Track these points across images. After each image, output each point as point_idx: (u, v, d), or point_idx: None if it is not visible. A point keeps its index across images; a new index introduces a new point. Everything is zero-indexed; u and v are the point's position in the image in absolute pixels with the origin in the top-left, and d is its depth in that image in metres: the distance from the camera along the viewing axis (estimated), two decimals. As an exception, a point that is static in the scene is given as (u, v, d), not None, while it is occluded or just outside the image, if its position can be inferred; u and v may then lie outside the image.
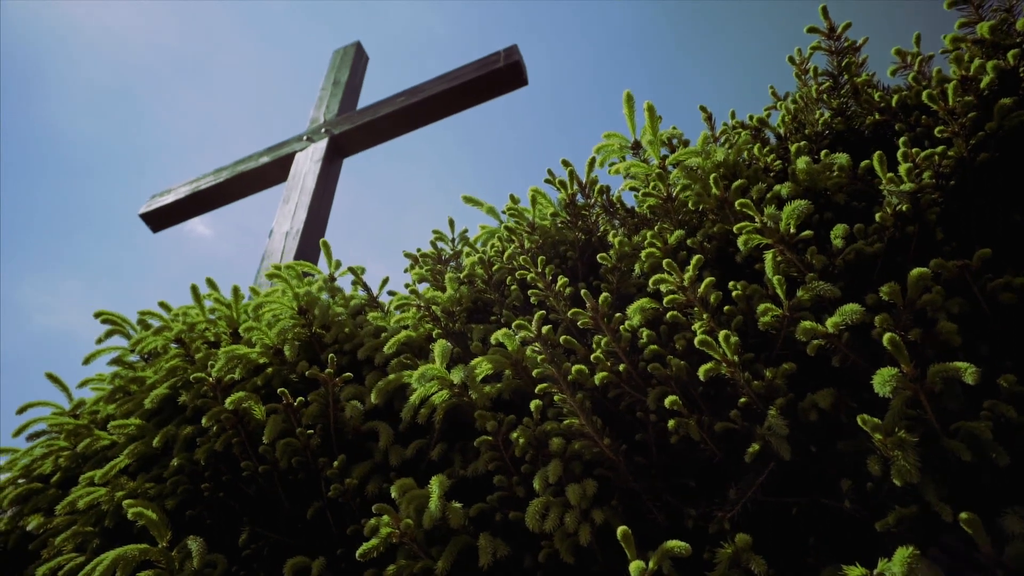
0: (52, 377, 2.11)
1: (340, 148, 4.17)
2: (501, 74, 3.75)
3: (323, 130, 4.19)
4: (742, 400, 1.16)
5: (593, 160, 1.71)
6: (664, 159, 1.59)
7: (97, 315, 2.13)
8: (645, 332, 1.35)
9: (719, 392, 1.26)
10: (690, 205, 1.41)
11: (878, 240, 1.20)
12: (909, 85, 1.57)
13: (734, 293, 1.27)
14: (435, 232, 1.95)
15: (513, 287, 1.66)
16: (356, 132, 4.12)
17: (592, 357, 1.29)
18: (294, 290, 1.78)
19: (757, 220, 1.21)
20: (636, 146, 1.73)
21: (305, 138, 4.22)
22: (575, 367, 1.29)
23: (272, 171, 4.31)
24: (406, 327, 1.62)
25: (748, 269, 1.40)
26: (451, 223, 1.97)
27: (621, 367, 1.29)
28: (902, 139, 1.26)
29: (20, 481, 1.95)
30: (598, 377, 1.26)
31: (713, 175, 1.35)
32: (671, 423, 1.17)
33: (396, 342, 1.54)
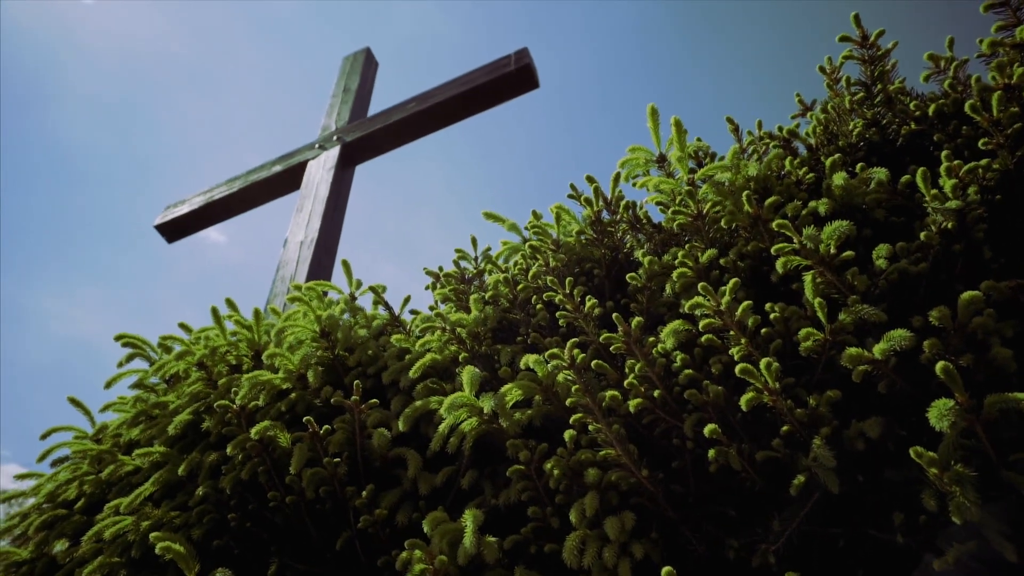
0: (74, 401, 2.11)
1: (352, 155, 4.16)
2: (512, 78, 3.72)
3: (335, 138, 4.18)
4: (784, 428, 1.12)
5: (618, 175, 1.67)
6: (692, 173, 1.56)
7: (118, 338, 2.13)
8: (679, 356, 1.31)
9: (759, 418, 1.22)
10: (723, 223, 1.37)
11: (922, 259, 1.16)
12: (945, 92, 1.52)
13: (772, 315, 1.23)
14: (457, 251, 1.92)
15: (539, 306, 1.63)
16: (368, 139, 4.11)
17: (626, 383, 1.25)
18: (315, 312, 1.76)
19: (795, 241, 1.17)
20: (661, 159, 1.70)
21: (317, 146, 4.21)
22: (609, 393, 1.26)
23: (285, 180, 4.31)
24: (430, 350, 1.59)
25: (783, 287, 1.36)
26: (473, 241, 1.94)
27: (656, 393, 1.25)
28: (944, 152, 1.21)
29: (45, 507, 1.95)
30: (632, 404, 1.23)
31: (746, 192, 1.31)
32: (711, 453, 1.14)
33: (421, 366, 1.51)
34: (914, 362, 1.09)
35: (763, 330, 1.24)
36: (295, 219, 3.83)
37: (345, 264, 1.98)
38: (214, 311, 1.98)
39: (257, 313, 1.88)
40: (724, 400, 1.22)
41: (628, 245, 1.68)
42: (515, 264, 1.79)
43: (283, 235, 3.86)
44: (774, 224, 1.17)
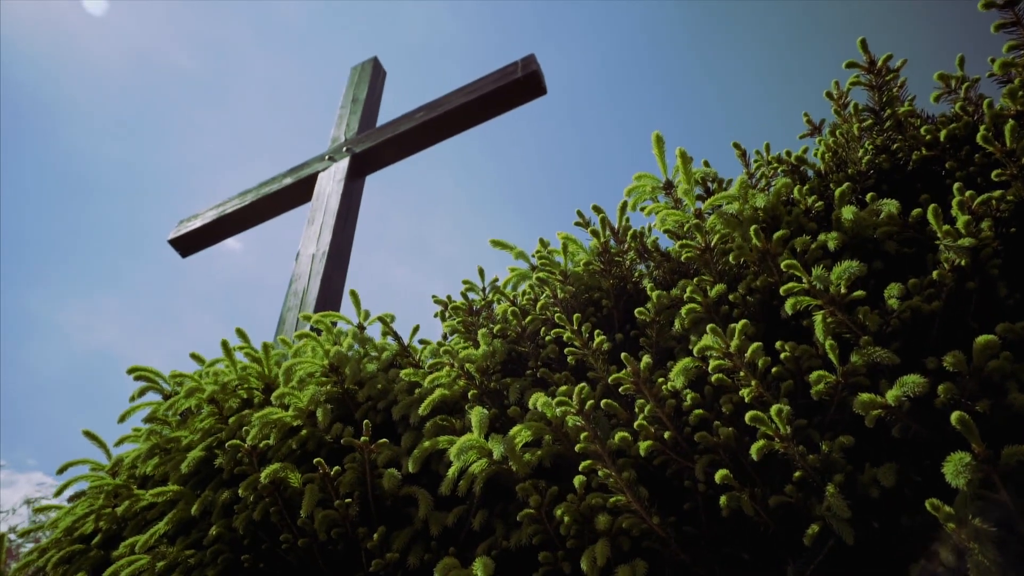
0: (89, 435, 2.12)
1: (362, 166, 4.16)
2: (519, 84, 3.70)
3: (344, 149, 4.18)
4: (797, 474, 1.11)
5: (625, 204, 1.66)
6: (700, 206, 1.54)
7: (131, 371, 2.14)
8: (689, 395, 1.30)
9: (771, 460, 1.20)
10: (731, 259, 1.35)
11: (936, 298, 1.14)
12: (956, 115, 1.49)
13: (783, 355, 1.22)
14: (465, 282, 1.92)
15: (548, 337, 1.62)
16: (377, 149, 4.11)
17: (636, 424, 1.24)
18: (324, 347, 1.76)
19: (805, 281, 1.15)
20: (668, 186, 1.68)
21: (327, 158, 4.22)
22: (618, 435, 1.25)
23: (296, 192, 4.32)
24: (440, 385, 1.59)
25: (794, 322, 1.34)
26: (480, 272, 1.93)
27: (666, 435, 1.24)
28: (956, 185, 1.19)
29: (63, 540, 1.97)
30: (642, 447, 1.22)
31: (753, 227, 1.29)
32: (723, 499, 1.12)
33: (430, 403, 1.51)
34: (929, 405, 1.07)
35: (774, 369, 1.23)
36: (307, 232, 3.84)
37: (353, 294, 1.98)
38: (224, 344, 1.99)
39: (266, 347, 1.89)
40: (735, 441, 1.21)
41: (637, 275, 1.67)
42: (523, 293, 1.78)
43: (296, 242, 3.88)
44: (783, 264, 1.15)
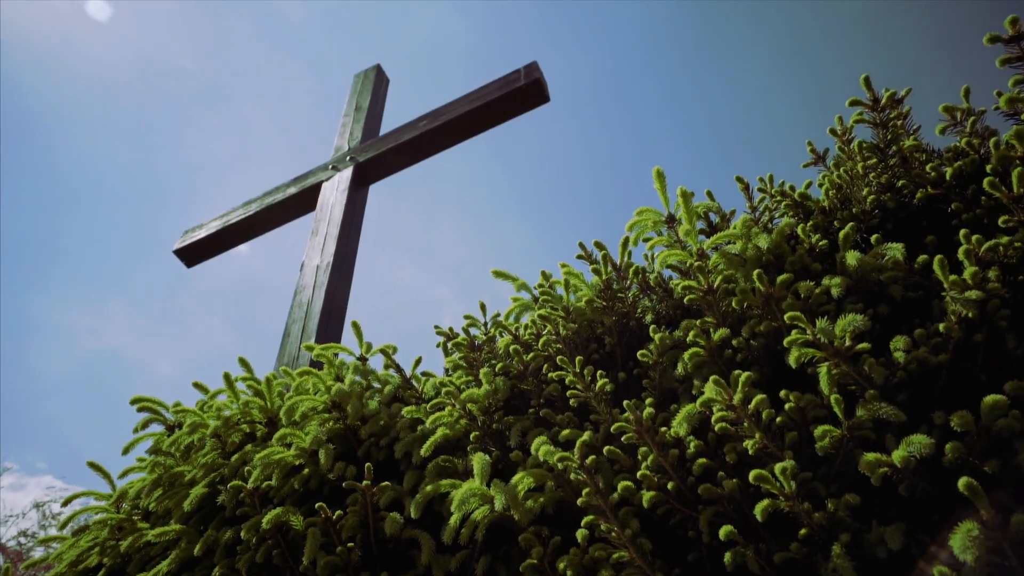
0: (94, 465, 2.12)
1: (365, 175, 4.14)
2: (522, 92, 3.68)
3: (348, 158, 4.16)
4: (802, 531, 1.09)
5: (627, 240, 1.65)
6: (702, 239, 1.52)
7: (134, 402, 2.14)
8: (693, 443, 1.28)
9: (777, 515, 1.19)
10: (734, 304, 1.34)
11: (943, 350, 1.12)
12: (962, 150, 1.47)
13: (787, 405, 1.20)
14: (467, 317, 1.91)
15: (551, 374, 1.61)
16: (381, 158, 4.08)
17: (639, 475, 1.23)
18: (326, 383, 1.76)
19: (809, 332, 1.14)
20: (670, 220, 1.66)
21: (330, 167, 4.20)
22: (621, 485, 1.24)
23: (300, 201, 4.31)
24: (442, 424, 1.58)
25: (798, 367, 1.33)
26: (482, 307, 1.92)
27: (670, 485, 1.23)
28: (963, 232, 1.17)
29: (67, 575, 1.97)
30: (646, 498, 1.20)
31: (757, 271, 1.27)
32: (727, 556, 1.11)
33: (432, 444, 1.50)
34: (937, 464, 1.06)
35: (778, 419, 1.21)
36: (311, 242, 3.83)
37: (355, 326, 1.97)
38: (226, 376, 1.98)
39: (268, 381, 1.89)
40: (740, 493, 1.19)
41: (640, 309, 1.65)
42: (525, 327, 1.77)
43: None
44: (787, 317, 1.14)
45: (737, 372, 1.24)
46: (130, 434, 2.16)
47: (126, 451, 2.07)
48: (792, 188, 1.59)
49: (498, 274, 1.89)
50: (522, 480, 1.30)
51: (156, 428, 2.14)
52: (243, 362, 2.16)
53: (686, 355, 1.34)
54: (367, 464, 1.48)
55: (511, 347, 1.63)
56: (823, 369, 1.14)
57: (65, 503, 2.07)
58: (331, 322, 3.50)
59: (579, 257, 1.76)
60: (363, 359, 1.96)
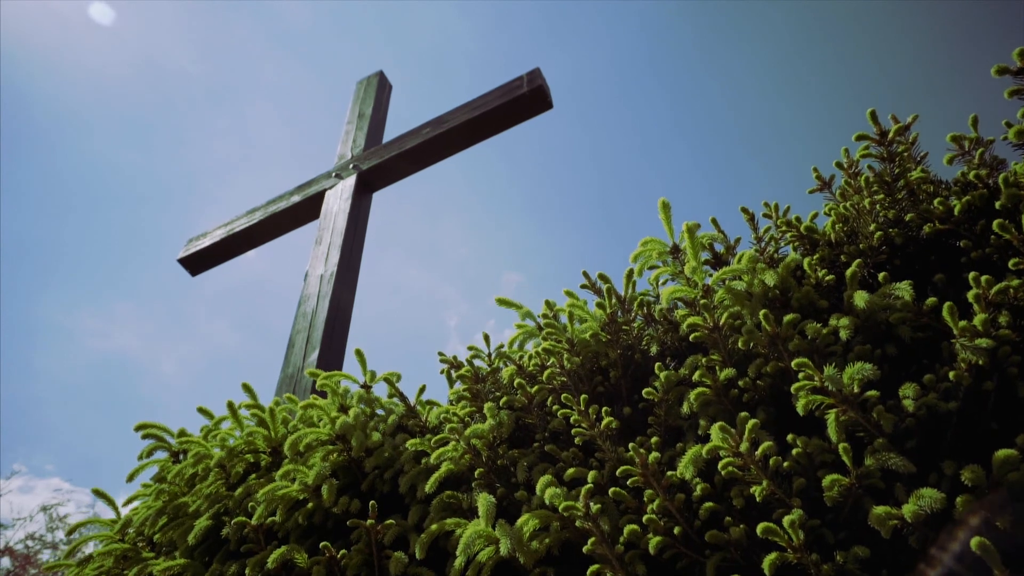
0: (99, 493, 2.12)
1: (369, 183, 4.12)
2: (525, 99, 3.65)
3: (351, 166, 4.14)
4: (811, 583, 1.08)
5: (631, 272, 1.64)
6: (708, 270, 1.51)
7: (138, 428, 2.14)
8: (699, 486, 1.27)
9: (785, 564, 1.18)
10: (740, 344, 1.33)
11: (953, 397, 1.11)
12: (971, 182, 1.45)
13: (794, 451, 1.19)
14: (471, 348, 1.90)
15: (556, 407, 1.60)
16: (384, 166, 4.06)
17: (644, 519, 1.22)
18: (330, 415, 1.75)
19: (816, 379, 1.12)
20: (675, 250, 1.65)
21: (334, 175, 4.18)
22: (627, 528, 1.23)
23: (304, 209, 4.29)
24: (447, 458, 1.57)
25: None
26: (486, 338, 1.92)
27: (676, 530, 1.22)
28: (971, 274, 1.16)
29: (73, 604, 1.97)
30: (652, 544, 1.19)
31: (763, 312, 1.26)
32: (735, 607, 1.10)
33: (437, 480, 1.49)
34: (948, 516, 1.04)
35: (786, 464, 1.20)
36: (315, 251, 3.82)
37: (359, 353, 1.97)
38: (230, 405, 1.98)
39: (272, 411, 1.88)
40: (747, 540, 1.18)
41: (645, 341, 1.64)
42: (530, 358, 1.76)
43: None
44: (794, 364, 1.13)
45: (744, 415, 1.23)
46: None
47: (131, 478, 2.07)
48: (798, 219, 1.58)
49: (502, 302, 1.88)
50: (527, 522, 1.29)
51: (161, 455, 2.14)
52: (247, 388, 2.15)
53: (692, 394, 1.33)
54: (371, 502, 1.47)
55: (515, 380, 1.62)
56: (831, 416, 1.13)
57: (69, 532, 2.07)
58: (336, 332, 3.49)
59: (583, 287, 1.75)
60: (367, 387, 1.95)
